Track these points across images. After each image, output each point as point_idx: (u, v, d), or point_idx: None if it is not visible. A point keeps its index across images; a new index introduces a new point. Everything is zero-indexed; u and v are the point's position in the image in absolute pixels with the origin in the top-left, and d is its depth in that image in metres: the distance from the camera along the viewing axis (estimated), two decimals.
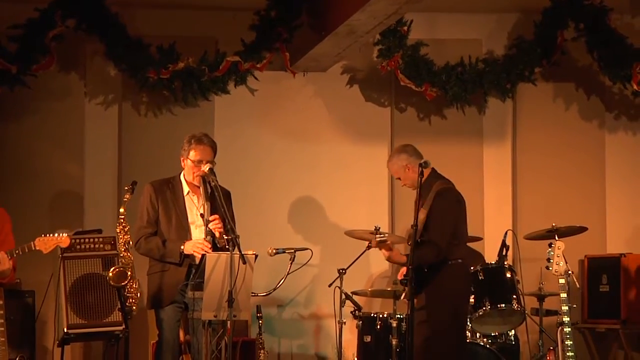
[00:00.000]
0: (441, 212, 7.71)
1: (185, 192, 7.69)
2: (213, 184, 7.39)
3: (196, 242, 7.49)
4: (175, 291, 7.54)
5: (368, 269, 9.53)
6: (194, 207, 7.65)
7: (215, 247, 7.46)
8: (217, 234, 7.45)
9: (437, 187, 7.78)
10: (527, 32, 9.75)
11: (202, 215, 7.51)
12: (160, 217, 7.65)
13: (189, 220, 7.64)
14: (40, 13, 8.98)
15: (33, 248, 7.70)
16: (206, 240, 7.45)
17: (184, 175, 7.72)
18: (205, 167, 7.48)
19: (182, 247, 7.50)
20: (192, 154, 7.59)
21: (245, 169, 9.68)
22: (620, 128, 10.10)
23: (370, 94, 9.94)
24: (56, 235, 7.73)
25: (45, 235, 7.74)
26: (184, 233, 7.60)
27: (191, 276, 7.47)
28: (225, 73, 9.36)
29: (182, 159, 7.67)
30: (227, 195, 7.66)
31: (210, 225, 7.44)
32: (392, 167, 7.91)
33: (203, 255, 7.25)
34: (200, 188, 7.58)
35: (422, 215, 7.67)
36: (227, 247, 7.35)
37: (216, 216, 7.46)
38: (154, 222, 7.66)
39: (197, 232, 7.61)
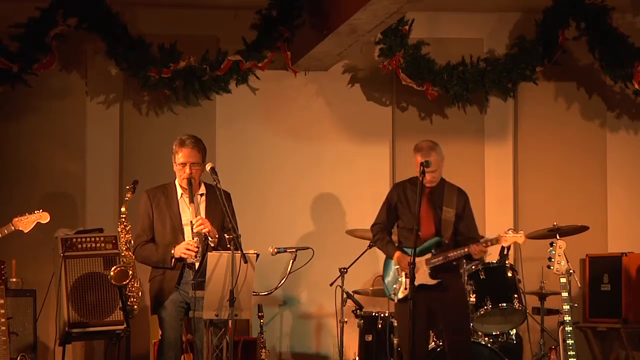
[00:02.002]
0: (471, 210, 8.04)
1: (179, 196, 7.68)
2: (215, 183, 7.39)
3: (183, 245, 7.48)
4: (172, 289, 7.54)
5: (369, 268, 9.51)
6: (187, 208, 7.64)
7: (207, 246, 7.47)
8: (209, 234, 7.47)
9: (454, 186, 8.00)
10: (528, 31, 9.75)
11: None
12: (155, 223, 7.65)
13: (183, 221, 7.62)
14: (42, 12, 8.98)
15: (13, 229, 7.75)
16: (192, 241, 7.45)
17: (177, 179, 7.74)
18: (207, 166, 7.48)
19: (172, 251, 7.51)
20: (177, 157, 7.60)
21: (247, 168, 9.68)
22: (622, 127, 10.09)
23: (372, 93, 9.94)
24: (35, 212, 7.79)
25: (23, 215, 7.79)
26: (178, 234, 7.59)
27: (184, 275, 7.49)
28: (227, 72, 9.36)
29: (173, 162, 7.67)
30: (226, 196, 7.66)
31: (195, 228, 7.43)
32: (440, 160, 7.94)
33: (204, 255, 7.26)
34: (188, 189, 7.57)
35: (448, 214, 7.81)
36: (218, 247, 7.40)
37: (199, 217, 7.47)
38: (148, 229, 7.66)
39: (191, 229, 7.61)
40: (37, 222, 7.89)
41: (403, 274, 7.86)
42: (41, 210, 7.90)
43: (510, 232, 7.74)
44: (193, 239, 7.45)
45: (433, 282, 7.82)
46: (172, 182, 7.73)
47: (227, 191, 7.70)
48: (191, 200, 7.53)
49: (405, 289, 7.81)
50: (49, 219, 7.93)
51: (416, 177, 7.90)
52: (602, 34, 9.51)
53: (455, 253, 7.79)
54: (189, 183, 7.55)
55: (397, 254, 7.92)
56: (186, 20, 9.54)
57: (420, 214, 7.86)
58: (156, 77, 9.24)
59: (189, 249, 7.42)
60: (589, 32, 9.57)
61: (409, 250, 7.87)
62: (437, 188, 7.94)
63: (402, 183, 8.19)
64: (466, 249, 7.78)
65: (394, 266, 7.95)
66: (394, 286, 7.93)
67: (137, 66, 9.22)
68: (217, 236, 7.47)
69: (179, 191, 7.68)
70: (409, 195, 8.01)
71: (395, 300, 7.96)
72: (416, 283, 7.74)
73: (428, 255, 7.84)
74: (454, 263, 7.89)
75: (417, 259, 7.77)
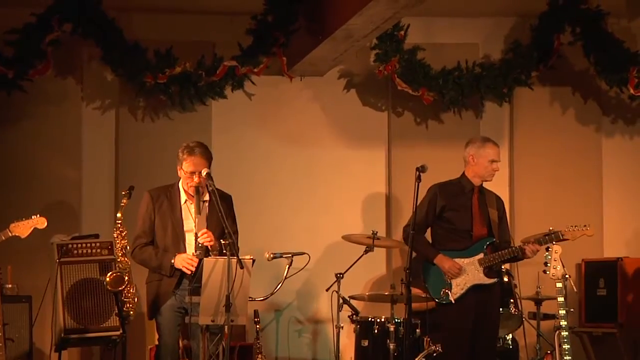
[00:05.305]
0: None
1: (182, 201, 7.66)
2: (211, 188, 7.38)
3: (185, 257, 7.47)
4: (170, 294, 7.53)
5: (365, 273, 9.52)
6: (191, 215, 7.62)
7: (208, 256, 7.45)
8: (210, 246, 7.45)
9: (489, 190, 8.14)
10: (523, 36, 9.76)
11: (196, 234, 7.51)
12: (157, 226, 7.62)
13: (185, 228, 7.60)
14: (37, 18, 8.98)
15: (10, 234, 7.74)
16: (194, 255, 7.43)
17: (182, 183, 7.71)
18: (203, 172, 7.46)
19: (172, 260, 7.49)
20: (185, 165, 7.56)
21: (243, 173, 9.67)
22: (617, 132, 10.11)
23: (368, 99, 9.94)
24: (32, 217, 7.78)
25: (19, 220, 7.77)
26: (179, 241, 7.57)
27: (184, 281, 7.48)
28: (222, 78, 9.36)
29: (178, 167, 7.65)
30: (227, 199, 7.65)
31: (200, 240, 7.42)
32: None
33: (200, 260, 7.25)
34: (194, 198, 7.54)
35: (493, 215, 7.91)
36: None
37: (204, 230, 7.45)
38: (149, 231, 7.63)
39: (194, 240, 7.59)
40: (34, 228, 7.88)
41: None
42: (38, 215, 7.88)
43: (574, 227, 7.68)
44: (196, 251, 7.43)
45: (490, 280, 7.76)
46: (176, 184, 7.69)
47: (229, 194, 7.69)
48: (198, 212, 7.49)
49: (462, 288, 7.76)
50: (46, 224, 7.91)
51: (452, 181, 8.02)
52: (598, 39, 9.53)
53: (506, 252, 7.72)
54: (197, 191, 7.52)
55: (440, 257, 7.84)
56: (182, 25, 9.54)
57: (473, 215, 7.84)
58: (152, 83, 9.24)
59: (189, 264, 7.40)
60: (584, 37, 9.59)
61: (449, 253, 7.83)
62: (481, 189, 7.97)
63: (441, 185, 8.14)
64: (524, 246, 7.71)
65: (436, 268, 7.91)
66: (444, 288, 7.83)
67: (133, 72, 9.22)
68: (218, 248, 7.46)
69: (183, 196, 7.65)
70: (458, 197, 7.99)
71: (453, 301, 7.83)
72: (471, 284, 7.70)
73: (480, 256, 7.78)
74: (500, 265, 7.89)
75: (468, 260, 7.75)
